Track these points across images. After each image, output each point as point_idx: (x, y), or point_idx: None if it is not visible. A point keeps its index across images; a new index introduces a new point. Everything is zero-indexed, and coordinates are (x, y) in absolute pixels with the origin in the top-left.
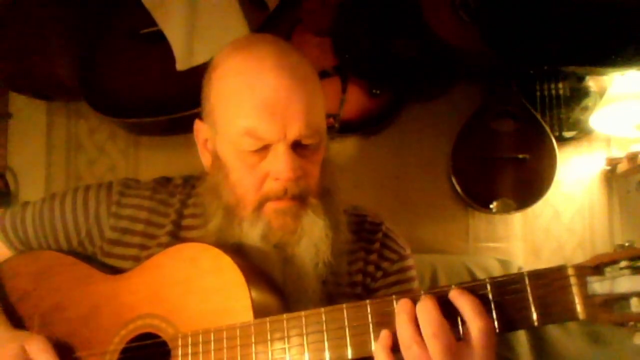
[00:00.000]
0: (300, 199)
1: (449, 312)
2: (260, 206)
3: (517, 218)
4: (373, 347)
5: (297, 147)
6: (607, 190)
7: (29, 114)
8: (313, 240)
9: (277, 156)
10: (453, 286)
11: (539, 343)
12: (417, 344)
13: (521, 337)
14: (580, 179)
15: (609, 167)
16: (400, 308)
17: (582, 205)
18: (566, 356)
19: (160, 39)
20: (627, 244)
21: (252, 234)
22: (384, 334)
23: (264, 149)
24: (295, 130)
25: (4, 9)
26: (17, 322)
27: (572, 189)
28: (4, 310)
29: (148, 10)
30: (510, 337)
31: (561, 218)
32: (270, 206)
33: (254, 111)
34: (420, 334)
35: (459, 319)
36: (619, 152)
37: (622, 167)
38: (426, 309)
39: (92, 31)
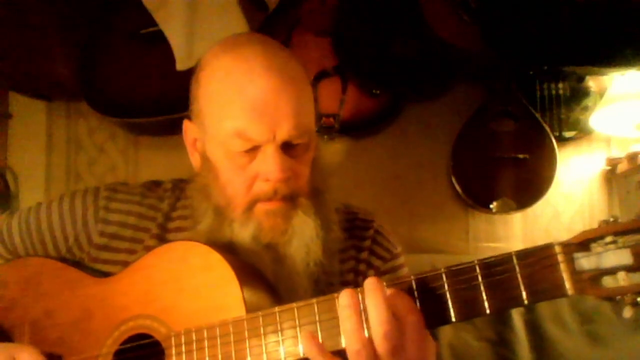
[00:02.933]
0: (290, 200)
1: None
2: (250, 207)
3: (517, 218)
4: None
5: (286, 147)
6: (607, 190)
7: (29, 114)
8: (304, 240)
9: (267, 157)
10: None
11: (539, 343)
12: (362, 341)
13: (521, 337)
14: (580, 179)
15: (609, 167)
16: (346, 301)
17: (582, 205)
18: (566, 356)
19: (160, 39)
20: (611, 219)
21: (242, 234)
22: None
23: (254, 149)
24: (284, 131)
25: (4, 9)
26: (7, 331)
27: (572, 189)
28: None
29: (148, 11)
30: (510, 336)
31: (561, 218)
32: (260, 207)
33: (242, 112)
34: (365, 328)
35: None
36: (619, 152)
37: (622, 167)
38: (377, 307)
39: (92, 31)
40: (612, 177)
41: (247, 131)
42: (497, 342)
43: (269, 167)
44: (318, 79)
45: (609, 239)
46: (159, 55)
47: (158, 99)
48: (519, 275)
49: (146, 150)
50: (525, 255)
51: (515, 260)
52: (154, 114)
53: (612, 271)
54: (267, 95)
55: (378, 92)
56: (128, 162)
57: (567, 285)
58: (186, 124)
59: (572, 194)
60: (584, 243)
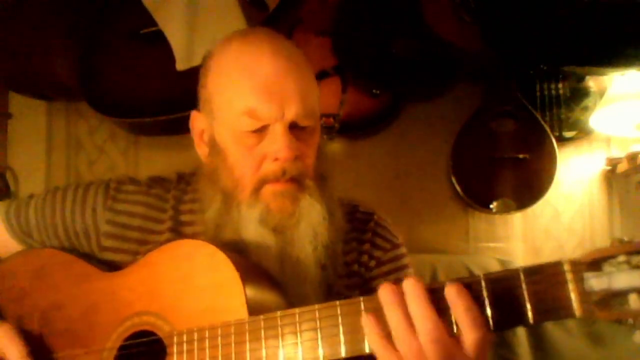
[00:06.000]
0: (297, 182)
1: (440, 306)
2: (258, 189)
3: (517, 218)
4: (366, 345)
5: (294, 128)
6: (607, 190)
7: (29, 114)
8: (311, 223)
9: (275, 136)
10: (448, 283)
11: (539, 343)
12: (415, 346)
13: (521, 337)
14: (580, 179)
15: (609, 167)
16: (389, 298)
17: (582, 205)
18: (566, 356)
19: (160, 39)
20: (625, 239)
21: (250, 217)
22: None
23: (262, 130)
24: (293, 111)
25: (4, 9)
26: (17, 320)
27: (572, 189)
28: None
29: (148, 11)
30: (510, 337)
31: (561, 218)
32: (268, 189)
33: (253, 92)
34: (413, 328)
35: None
36: (619, 152)
37: (622, 167)
38: (421, 312)
39: (92, 31)
40: (612, 177)
41: (257, 110)
42: (497, 343)
43: (278, 145)
44: (318, 79)
45: (621, 258)
46: (159, 55)
47: (158, 99)
48: (525, 293)
49: (146, 150)
50: (533, 271)
51: (522, 277)
52: (154, 114)
53: (623, 293)
54: (276, 76)
55: (378, 92)
56: (128, 162)
57: (575, 306)
58: (194, 115)
59: (572, 194)
60: (595, 262)
